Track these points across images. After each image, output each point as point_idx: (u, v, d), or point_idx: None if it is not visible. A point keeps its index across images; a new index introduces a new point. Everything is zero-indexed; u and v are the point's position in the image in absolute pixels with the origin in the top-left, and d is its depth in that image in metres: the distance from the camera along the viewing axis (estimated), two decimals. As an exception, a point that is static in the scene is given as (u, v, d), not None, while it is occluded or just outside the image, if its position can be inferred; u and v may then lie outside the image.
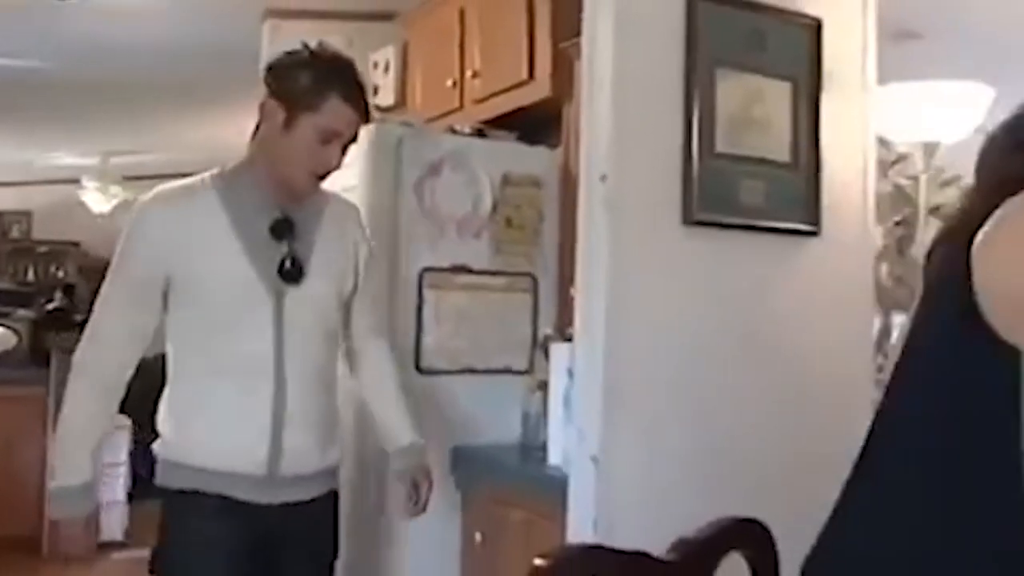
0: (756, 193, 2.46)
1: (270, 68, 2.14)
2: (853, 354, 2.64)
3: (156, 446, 2.14)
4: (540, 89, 3.23)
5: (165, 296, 2.09)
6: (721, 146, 2.39)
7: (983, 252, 1.01)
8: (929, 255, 1.20)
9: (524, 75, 3.29)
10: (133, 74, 5.60)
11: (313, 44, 2.11)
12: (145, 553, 2.14)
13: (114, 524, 5.36)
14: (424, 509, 2.36)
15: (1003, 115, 1.26)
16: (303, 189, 2.13)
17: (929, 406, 1.13)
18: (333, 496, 2.25)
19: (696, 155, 2.35)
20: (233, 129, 6.44)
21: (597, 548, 1.40)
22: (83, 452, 2.07)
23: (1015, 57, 4.16)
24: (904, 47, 3.90)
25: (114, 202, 8.87)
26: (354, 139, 2.14)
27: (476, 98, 3.52)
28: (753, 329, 2.44)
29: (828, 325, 2.56)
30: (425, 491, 2.35)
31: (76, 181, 8.85)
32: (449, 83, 3.66)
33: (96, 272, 9.42)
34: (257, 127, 2.15)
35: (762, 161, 2.47)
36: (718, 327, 2.40)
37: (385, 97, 4.27)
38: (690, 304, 2.37)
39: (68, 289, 8.46)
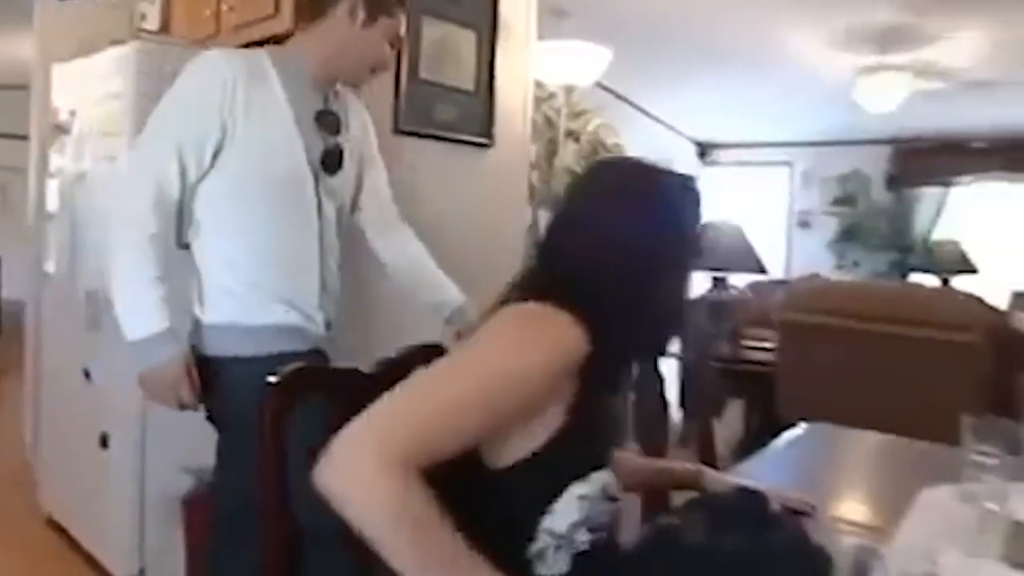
0: (449, 112, 2.45)
1: None
2: (512, 235, 2.74)
3: (201, 312, 1.61)
4: (283, 23, 2.99)
5: (215, 155, 1.55)
6: (424, 75, 2.35)
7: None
8: None
9: (271, 10, 3.03)
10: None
11: None
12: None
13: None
14: None
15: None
16: (360, 82, 1.75)
17: None
18: None
19: (405, 80, 2.30)
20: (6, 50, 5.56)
21: (318, 367, 1.37)
22: (155, 294, 1.49)
23: (629, 29, 4.40)
24: (562, 19, 4.02)
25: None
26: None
27: (232, 26, 3.21)
28: (443, 215, 2.46)
29: (496, 213, 2.63)
30: None
31: None
32: (207, 13, 3.30)
33: None
34: (308, 19, 1.70)
35: (453, 88, 2.45)
36: (417, 213, 2.38)
37: (151, 22, 3.80)
38: (396, 194, 2.33)
39: None
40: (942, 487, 1.38)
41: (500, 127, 2.59)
